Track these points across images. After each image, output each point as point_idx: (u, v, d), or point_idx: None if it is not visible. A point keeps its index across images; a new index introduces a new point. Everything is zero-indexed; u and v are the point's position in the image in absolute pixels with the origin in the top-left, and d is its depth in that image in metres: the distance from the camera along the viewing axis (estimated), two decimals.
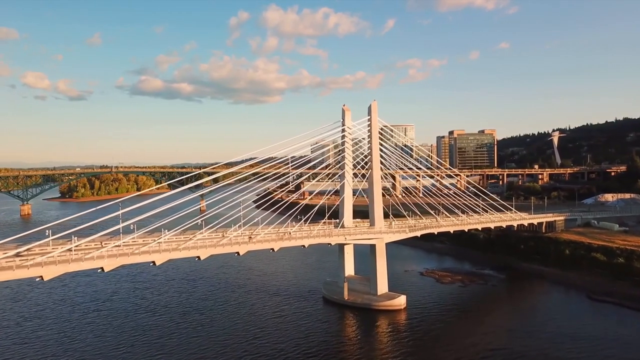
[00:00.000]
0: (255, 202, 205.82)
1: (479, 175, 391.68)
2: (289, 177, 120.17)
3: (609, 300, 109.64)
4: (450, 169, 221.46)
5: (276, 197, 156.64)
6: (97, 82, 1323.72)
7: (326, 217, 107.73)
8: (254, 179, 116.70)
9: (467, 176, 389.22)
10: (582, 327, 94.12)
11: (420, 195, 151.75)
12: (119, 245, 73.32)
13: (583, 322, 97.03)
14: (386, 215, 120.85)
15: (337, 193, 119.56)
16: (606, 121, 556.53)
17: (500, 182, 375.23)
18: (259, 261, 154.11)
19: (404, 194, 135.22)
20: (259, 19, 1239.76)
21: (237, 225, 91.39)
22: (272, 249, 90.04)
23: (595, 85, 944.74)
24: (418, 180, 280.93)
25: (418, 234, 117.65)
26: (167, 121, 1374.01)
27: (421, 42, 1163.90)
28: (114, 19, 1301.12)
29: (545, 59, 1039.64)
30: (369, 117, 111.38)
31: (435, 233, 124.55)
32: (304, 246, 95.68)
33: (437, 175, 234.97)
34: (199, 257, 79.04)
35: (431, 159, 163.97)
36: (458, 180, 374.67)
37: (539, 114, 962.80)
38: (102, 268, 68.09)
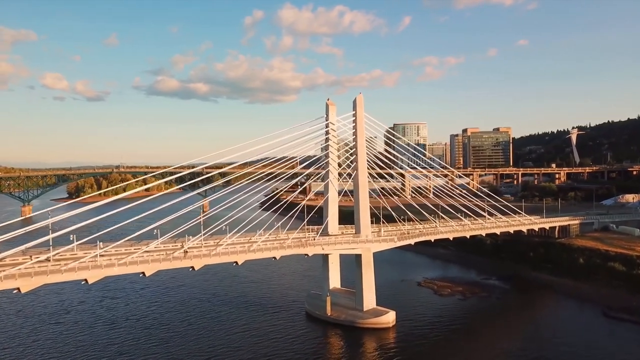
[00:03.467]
0: (261, 202, 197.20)
1: (493, 174, 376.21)
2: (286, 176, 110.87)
3: (627, 318, 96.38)
4: (447, 167, 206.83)
5: (279, 197, 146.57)
6: (115, 82, 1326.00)
7: (305, 222, 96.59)
8: (261, 179, 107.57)
9: (480, 175, 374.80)
10: (594, 350, 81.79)
11: (431, 196, 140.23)
12: (48, 260, 63.39)
13: (596, 345, 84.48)
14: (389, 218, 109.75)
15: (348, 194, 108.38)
16: (628, 118, 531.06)
17: (515, 181, 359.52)
18: (245, 267, 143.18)
19: (399, 196, 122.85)
20: (273, 17, 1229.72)
21: (198, 236, 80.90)
22: (236, 263, 79.25)
23: (617, 82, 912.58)
24: (428, 180, 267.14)
25: (411, 241, 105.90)
26: (182, 121, 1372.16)
27: (438, 40, 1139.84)
28: (129, 20, 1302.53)
29: (565, 55, 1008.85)
30: (354, 111, 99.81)
31: (432, 241, 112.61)
32: (274, 258, 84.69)
33: (439, 175, 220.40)
34: (143, 273, 68.70)
35: (428, 158, 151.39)
36: (470, 180, 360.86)
37: (558, 111, 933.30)
38: (18, 289, 58.05)
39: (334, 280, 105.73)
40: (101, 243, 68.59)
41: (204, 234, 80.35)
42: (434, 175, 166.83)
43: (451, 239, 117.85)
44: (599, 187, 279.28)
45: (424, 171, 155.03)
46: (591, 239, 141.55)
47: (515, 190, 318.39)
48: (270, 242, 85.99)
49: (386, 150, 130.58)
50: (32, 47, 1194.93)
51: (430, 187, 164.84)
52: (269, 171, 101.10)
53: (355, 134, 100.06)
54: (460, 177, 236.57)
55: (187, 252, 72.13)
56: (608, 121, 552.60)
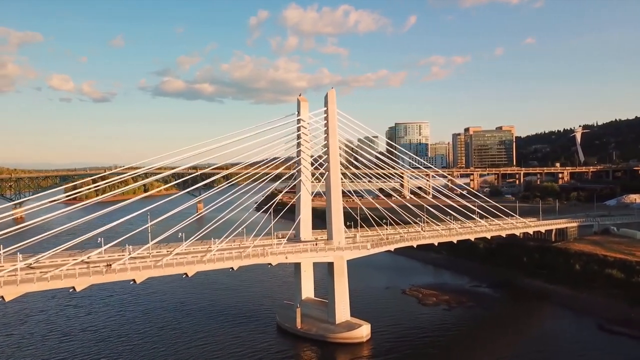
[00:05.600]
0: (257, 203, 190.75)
1: (494, 174, 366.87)
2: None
3: (624, 331, 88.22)
4: (430, 167, 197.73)
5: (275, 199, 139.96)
6: (121, 83, 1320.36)
7: (272, 225, 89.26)
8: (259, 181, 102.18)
9: (482, 175, 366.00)
10: None
11: (430, 196, 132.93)
12: None
13: None
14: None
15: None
16: (636, 116, 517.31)
17: (517, 181, 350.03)
18: (222, 271, 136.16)
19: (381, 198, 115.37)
20: (278, 18, 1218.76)
21: (147, 245, 73.79)
22: (186, 274, 71.98)
23: (625, 80, 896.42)
24: (428, 181, 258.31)
25: (390, 248, 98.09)
26: (188, 122, 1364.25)
27: (444, 39, 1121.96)
28: (135, 20, 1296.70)
29: (572, 53, 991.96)
30: (326, 108, 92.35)
31: (415, 246, 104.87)
32: (232, 269, 77.37)
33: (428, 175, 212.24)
34: (73, 288, 61.58)
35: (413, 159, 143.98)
36: (471, 180, 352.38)
37: (565, 110, 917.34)
38: None
39: (307, 289, 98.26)
40: (21, 255, 61.60)
41: (152, 243, 73.23)
42: (418, 175, 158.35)
43: (436, 244, 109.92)
44: (603, 187, 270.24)
45: (406, 171, 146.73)
46: (590, 242, 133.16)
47: (517, 191, 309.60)
48: (227, 250, 78.48)
49: (388, 151, 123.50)
50: (39, 49, 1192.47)
51: (429, 187, 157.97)
52: (230, 172, 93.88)
53: (327, 131, 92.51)
54: (442, 177, 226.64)
55: (110, 265, 64.68)
56: (615, 119, 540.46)
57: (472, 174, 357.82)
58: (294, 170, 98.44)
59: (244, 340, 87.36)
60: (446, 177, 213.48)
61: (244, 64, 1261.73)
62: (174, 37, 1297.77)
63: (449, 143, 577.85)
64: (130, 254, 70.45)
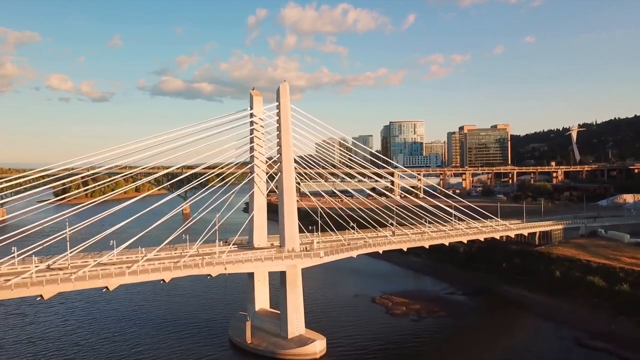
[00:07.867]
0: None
1: (487, 173, 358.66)
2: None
3: (602, 346, 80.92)
4: (394, 166, 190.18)
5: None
6: (120, 83, 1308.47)
7: (215, 228, 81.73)
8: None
9: (474, 175, 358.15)
10: None
11: (421, 196, 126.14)
12: None
13: None
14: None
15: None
16: (635, 115, 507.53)
17: (510, 180, 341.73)
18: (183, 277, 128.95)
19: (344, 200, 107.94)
20: (277, 16, 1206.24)
21: (64, 255, 66.45)
22: (106, 288, 64.66)
23: (625, 78, 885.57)
24: (418, 181, 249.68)
25: (352, 254, 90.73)
26: (187, 122, 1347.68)
27: (443, 38, 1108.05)
28: (133, 21, 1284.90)
29: (572, 52, 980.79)
30: (278, 102, 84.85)
31: (380, 252, 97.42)
32: (163, 281, 69.96)
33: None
34: None
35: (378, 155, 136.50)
36: (463, 179, 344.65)
37: (563, 108, 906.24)
38: None
39: (262, 300, 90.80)
40: None
41: (71, 252, 65.88)
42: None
43: (405, 249, 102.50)
44: (597, 187, 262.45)
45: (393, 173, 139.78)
46: (574, 246, 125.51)
47: (509, 190, 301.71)
48: (159, 260, 71.13)
49: (379, 153, 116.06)
50: (37, 49, 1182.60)
51: (421, 187, 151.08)
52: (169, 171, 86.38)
53: (279, 128, 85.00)
54: (412, 177, 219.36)
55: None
56: (614, 118, 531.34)
57: (465, 174, 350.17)
58: (247, 169, 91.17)
59: (187, 356, 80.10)
60: (415, 176, 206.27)
61: (243, 63, 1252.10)
62: (173, 37, 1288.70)
63: (444, 142, 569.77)
64: (43, 265, 63.08)
